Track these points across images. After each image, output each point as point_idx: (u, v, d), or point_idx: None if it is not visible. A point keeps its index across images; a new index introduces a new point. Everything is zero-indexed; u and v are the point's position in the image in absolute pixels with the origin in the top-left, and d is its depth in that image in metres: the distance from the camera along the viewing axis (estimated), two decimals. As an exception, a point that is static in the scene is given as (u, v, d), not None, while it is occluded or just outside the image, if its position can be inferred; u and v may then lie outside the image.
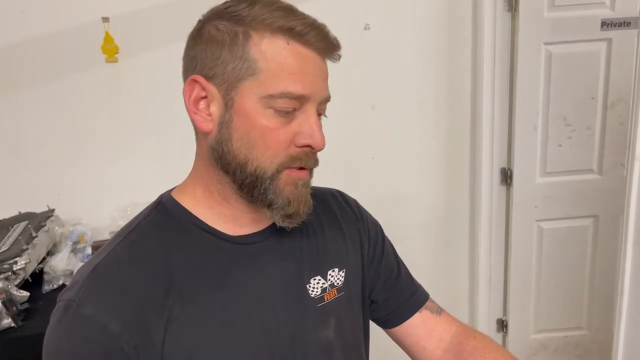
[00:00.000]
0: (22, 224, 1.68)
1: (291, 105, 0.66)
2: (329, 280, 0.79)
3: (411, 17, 1.95)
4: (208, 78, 0.68)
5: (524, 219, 2.12)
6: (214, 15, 0.69)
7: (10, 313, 1.40)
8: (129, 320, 0.63)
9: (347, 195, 0.92)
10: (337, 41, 0.70)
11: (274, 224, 0.76)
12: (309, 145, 0.68)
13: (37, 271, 1.59)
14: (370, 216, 0.92)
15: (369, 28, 1.94)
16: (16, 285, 1.46)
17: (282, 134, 0.67)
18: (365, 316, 0.88)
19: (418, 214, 2.15)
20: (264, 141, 0.66)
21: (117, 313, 0.63)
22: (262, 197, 0.68)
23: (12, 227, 1.68)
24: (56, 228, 1.75)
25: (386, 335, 0.94)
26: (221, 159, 0.69)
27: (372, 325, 0.92)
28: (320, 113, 0.71)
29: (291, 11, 0.67)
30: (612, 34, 1.92)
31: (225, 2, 0.69)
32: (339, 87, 1.95)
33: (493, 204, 2.13)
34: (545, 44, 1.94)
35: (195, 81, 0.68)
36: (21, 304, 1.45)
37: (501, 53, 1.98)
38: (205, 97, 0.69)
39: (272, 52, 0.65)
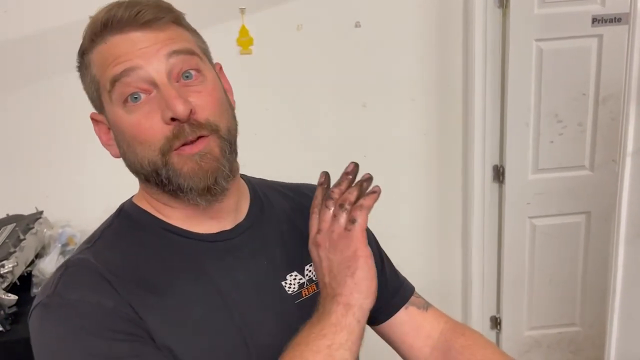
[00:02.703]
0: (10, 227, 1.65)
1: (131, 88, 0.65)
2: (307, 275, 0.79)
3: (402, 14, 1.94)
4: (98, 111, 0.72)
5: (516, 216, 2.12)
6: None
7: (-3, 317, 1.39)
8: (119, 299, 0.63)
9: None
10: (149, 5, 0.67)
11: (244, 222, 0.76)
12: (174, 118, 0.64)
13: (26, 274, 1.57)
14: None
15: (359, 26, 1.93)
16: (4, 289, 1.45)
17: (145, 122, 0.65)
18: None
19: (410, 211, 2.14)
20: (135, 138, 0.66)
21: (104, 292, 0.63)
22: (172, 187, 0.67)
23: (-1, 229, 1.66)
24: (45, 230, 1.73)
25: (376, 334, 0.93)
26: (135, 173, 0.71)
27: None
28: (185, 71, 0.67)
29: (98, 14, 0.67)
30: (603, 30, 1.92)
31: None
32: (330, 85, 1.96)
33: (485, 201, 2.12)
34: (536, 40, 1.94)
35: (93, 119, 0.73)
36: (9, 307, 1.43)
37: (492, 50, 1.97)
38: (109, 127, 0.71)
39: (99, 59, 0.67)
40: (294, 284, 0.77)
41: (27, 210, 1.79)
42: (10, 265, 1.47)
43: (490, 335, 2.29)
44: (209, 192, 0.67)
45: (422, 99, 2.03)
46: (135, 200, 0.76)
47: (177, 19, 0.70)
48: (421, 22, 1.96)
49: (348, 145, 2.02)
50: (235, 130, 0.73)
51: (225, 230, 0.74)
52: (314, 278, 0.79)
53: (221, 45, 1.83)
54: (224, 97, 0.72)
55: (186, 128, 0.65)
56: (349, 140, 2.02)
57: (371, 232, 0.92)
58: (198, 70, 0.68)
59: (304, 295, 0.77)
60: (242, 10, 1.83)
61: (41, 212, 1.79)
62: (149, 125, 0.65)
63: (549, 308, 2.23)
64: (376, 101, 2.00)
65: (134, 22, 0.65)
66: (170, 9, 0.69)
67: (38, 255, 1.67)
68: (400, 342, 0.88)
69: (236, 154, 0.73)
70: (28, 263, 1.59)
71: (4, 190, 1.86)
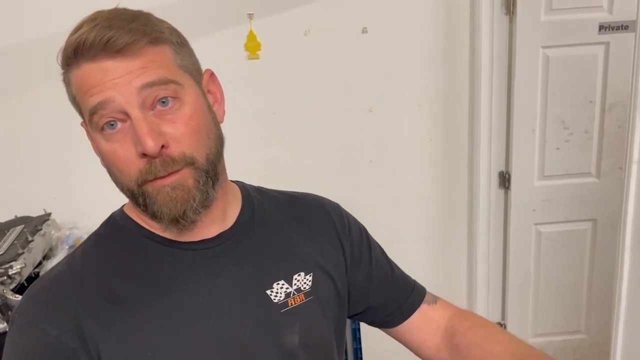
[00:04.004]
0: (18, 228, 1.67)
1: (107, 118, 0.63)
2: (295, 285, 0.78)
3: (408, 20, 1.95)
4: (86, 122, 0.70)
5: (522, 223, 2.12)
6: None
7: (5, 318, 1.40)
8: (67, 326, 0.65)
9: (326, 201, 0.90)
10: (123, 29, 0.62)
11: (229, 230, 0.76)
12: (144, 154, 0.63)
13: (33, 275, 1.58)
14: (354, 221, 0.91)
15: (366, 32, 1.94)
16: (12, 290, 1.46)
17: (121, 152, 0.65)
18: (339, 321, 0.86)
19: (416, 217, 2.14)
20: (114, 166, 0.67)
21: (53, 320, 0.66)
22: (148, 212, 0.68)
23: (7, 231, 1.67)
24: (52, 232, 1.74)
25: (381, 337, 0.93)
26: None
27: (368, 329, 0.91)
28: (161, 97, 0.64)
29: (72, 34, 0.64)
30: (610, 37, 1.92)
31: None
32: (336, 90, 1.97)
33: (491, 208, 2.12)
34: (543, 47, 1.94)
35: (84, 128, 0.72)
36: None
37: (499, 56, 1.98)
38: None
39: (76, 83, 0.65)
40: (280, 293, 0.76)
41: (35, 212, 1.81)
42: (18, 267, 1.48)
43: (495, 341, 2.29)
44: (176, 222, 0.68)
45: (429, 104, 2.03)
46: (125, 209, 0.77)
47: (154, 40, 0.65)
48: (428, 28, 1.97)
49: (354, 150, 2.03)
50: (217, 153, 0.70)
51: (208, 239, 0.74)
52: (302, 288, 0.78)
53: (229, 50, 1.87)
54: (203, 122, 0.68)
55: (157, 164, 0.64)
56: (355, 145, 2.03)
57: (375, 242, 0.92)
58: (175, 97, 0.65)
59: (290, 304, 0.76)
60: (250, 16, 1.84)
61: (49, 214, 1.80)
62: (125, 156, 0.65)
63: (554, 315, 2.23)
64: (382, 106, 2.01)
65: (105, 49, 0.61)
66: (144, 32, 0.63)
67: (46, 257, 1.68)
68: (415, 339, 0.90)
69: (216, 179, 0.70)
70: (36, 264, 1.61)
71: (12, 192, 1.87)
